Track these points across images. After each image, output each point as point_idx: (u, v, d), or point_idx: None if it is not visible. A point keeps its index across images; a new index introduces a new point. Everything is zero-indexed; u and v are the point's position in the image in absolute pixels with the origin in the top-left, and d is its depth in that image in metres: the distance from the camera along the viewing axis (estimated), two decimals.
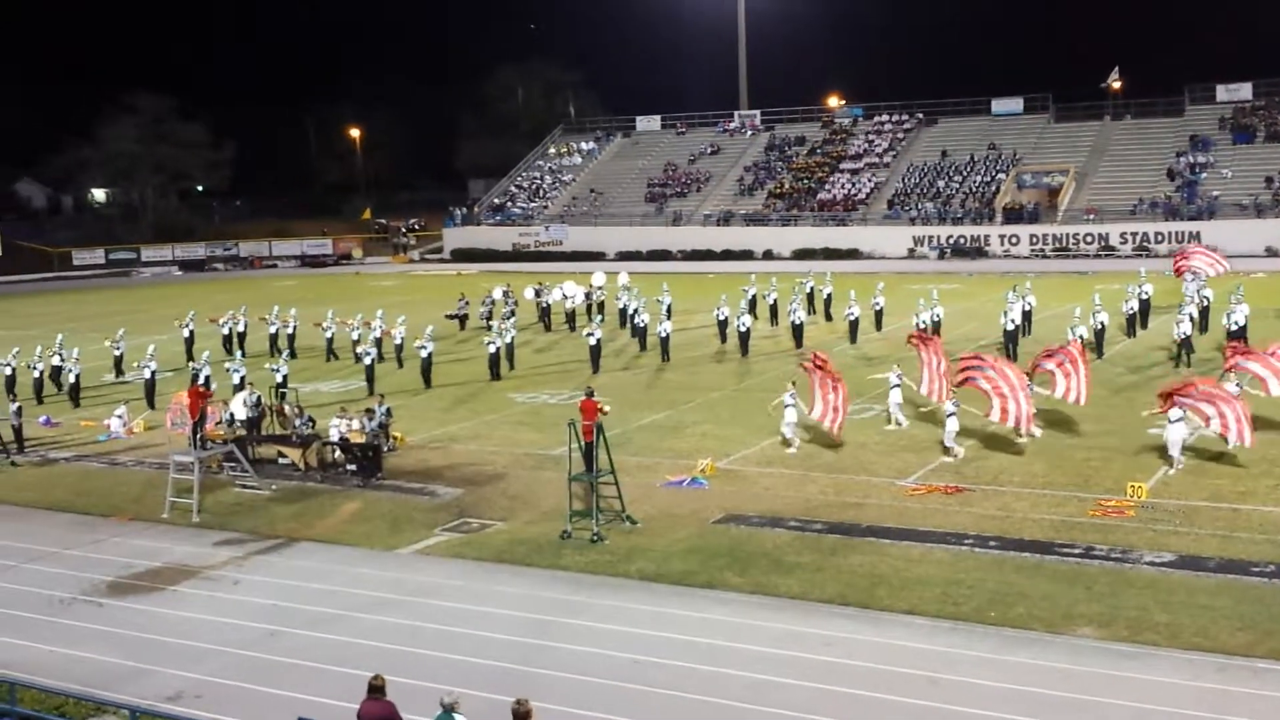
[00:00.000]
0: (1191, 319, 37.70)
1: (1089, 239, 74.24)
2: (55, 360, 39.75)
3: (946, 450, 26.77)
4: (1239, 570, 18.94)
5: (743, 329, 42.27)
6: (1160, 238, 72.20)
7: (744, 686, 15.73)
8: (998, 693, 15.24)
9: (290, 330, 46.11)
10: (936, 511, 22.81)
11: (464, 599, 19.40)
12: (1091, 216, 75.42)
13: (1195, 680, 15.37)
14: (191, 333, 45.68)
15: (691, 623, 17.98)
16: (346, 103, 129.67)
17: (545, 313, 51.17)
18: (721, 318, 45.03)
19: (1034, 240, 75.72)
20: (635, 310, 45.97)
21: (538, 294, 52.05)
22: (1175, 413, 24.93)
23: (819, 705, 15.12)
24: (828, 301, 49.75)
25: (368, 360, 38.20)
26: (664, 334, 41.80)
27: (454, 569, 21.05)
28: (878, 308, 45.69)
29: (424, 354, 37.85)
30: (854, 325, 43.41)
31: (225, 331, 46.33)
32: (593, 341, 39.78)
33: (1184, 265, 46.23)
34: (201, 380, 36.12)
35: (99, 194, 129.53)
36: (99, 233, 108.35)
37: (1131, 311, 42.14)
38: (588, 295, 52.18)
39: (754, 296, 47.73)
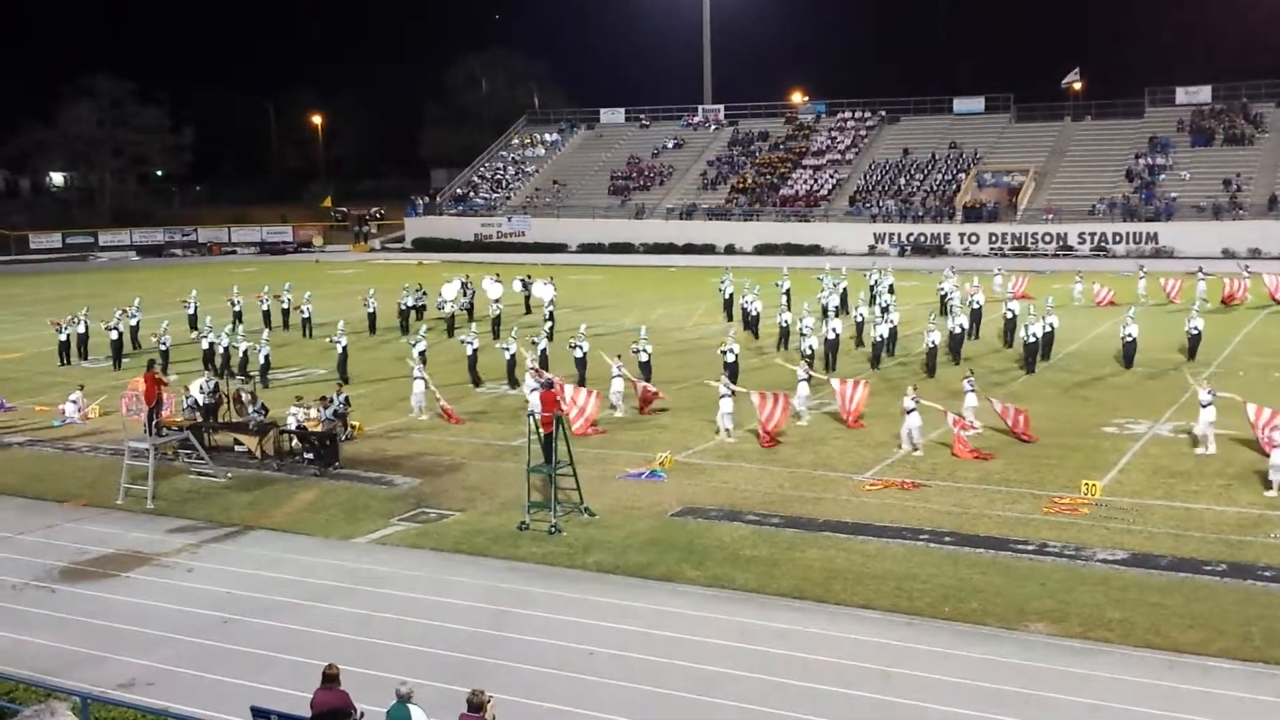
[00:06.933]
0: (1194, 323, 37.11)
1: (1047, 238, 74.87)
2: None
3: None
4: (1191, 569, 19.14)
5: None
6: (1118, 238, 73.00)
7: (699, 679, 15.77)
8: (950, 687, 15.34)
9: (191, 310, 47.32)
10: (893, 507, 22.93)
11: (420, 589, 19.34)
12: (1050, 216, 76.04)
13: (1146, 678, 15.52)
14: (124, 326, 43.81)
15: (648, 615, 18.00)
16: (309, 89, 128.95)
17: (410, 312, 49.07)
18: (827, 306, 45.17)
19: (993, 239, 76.33)
20: (735, 297, 46.50)
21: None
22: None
23: (773, 698, 15.18)
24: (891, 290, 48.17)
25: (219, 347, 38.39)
26: (784, 324, 41.42)
27: (411, 559, 20.98)
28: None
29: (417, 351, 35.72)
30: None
31: (64, 338, 42.36)
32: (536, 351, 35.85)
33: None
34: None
35: (57, 177, 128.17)
36: (56, 216, 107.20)
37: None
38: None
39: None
